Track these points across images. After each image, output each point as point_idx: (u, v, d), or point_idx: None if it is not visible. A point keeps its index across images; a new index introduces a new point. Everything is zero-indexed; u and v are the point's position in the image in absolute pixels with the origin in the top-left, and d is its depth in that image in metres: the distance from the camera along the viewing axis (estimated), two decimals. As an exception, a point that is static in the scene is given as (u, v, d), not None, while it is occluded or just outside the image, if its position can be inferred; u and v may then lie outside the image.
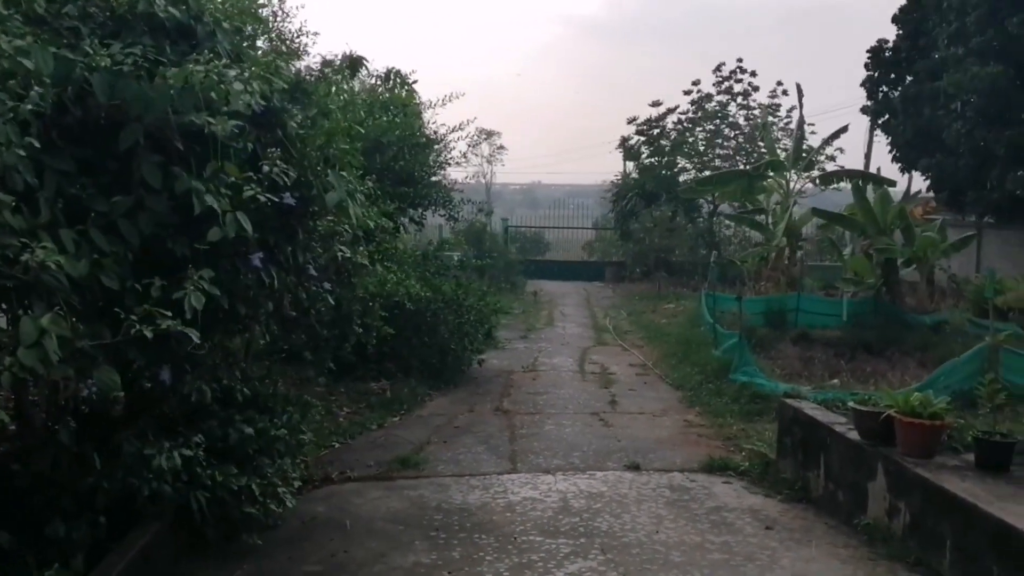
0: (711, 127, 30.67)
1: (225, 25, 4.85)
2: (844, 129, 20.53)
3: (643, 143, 31.07)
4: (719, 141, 30.49)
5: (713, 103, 30.35)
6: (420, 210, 14.48)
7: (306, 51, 10.02)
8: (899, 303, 15.39)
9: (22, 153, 3.56)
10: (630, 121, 31.42)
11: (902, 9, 25.46)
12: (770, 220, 19.17)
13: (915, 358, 12.02)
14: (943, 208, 23.21)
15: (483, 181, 51.39)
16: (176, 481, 4.90)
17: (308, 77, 5.44)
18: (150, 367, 4.31)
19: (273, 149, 4.62)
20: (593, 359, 14.27)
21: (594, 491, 7.14)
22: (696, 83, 30.31)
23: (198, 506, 5.12)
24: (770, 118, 28.41)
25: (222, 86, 4.19)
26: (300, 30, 10.34)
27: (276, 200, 4.47)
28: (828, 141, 20.88)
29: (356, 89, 12.89)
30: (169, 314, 3.90)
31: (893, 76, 26.26)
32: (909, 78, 25.27)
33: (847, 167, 21.70)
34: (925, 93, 22.61)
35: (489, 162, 51.94)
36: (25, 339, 3.41)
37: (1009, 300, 14.41)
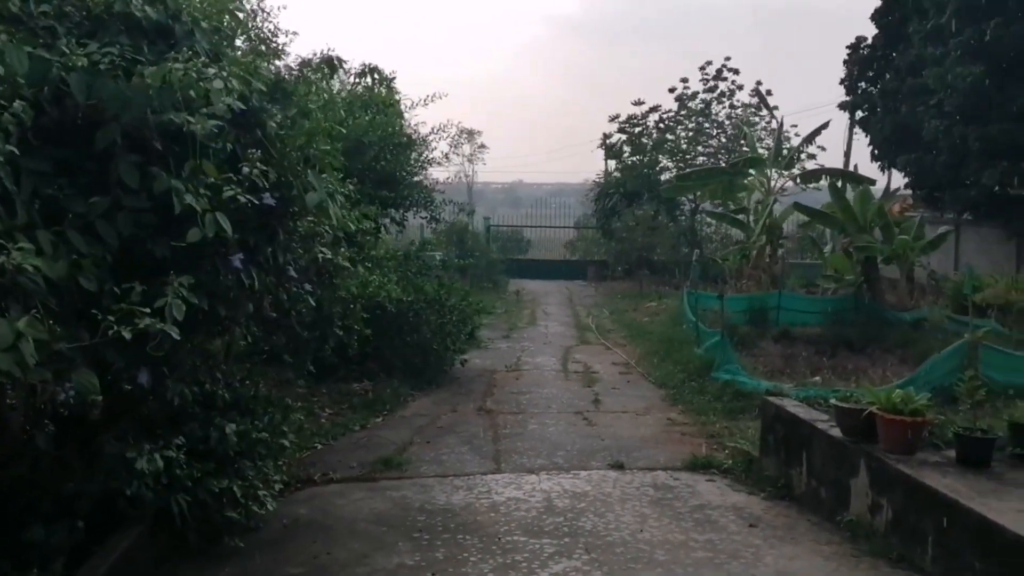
0: (693, 125, 30.78)
1: (204, 24, 4.80)
2: (825, 126, 20.67)
3: (624, 141, 31.16)
4: (702, 139, 30.61)
5: (697, 101, 30.47)
6: (401, 211, 14.44)
7: (285, 51, 9.97)
8: (879, 300, 15.50)
9: (0, 159, 3.51)
10: (612, 119, 31.51)
11: (879, 10, 25.69)
12: (752, 219, 19.26)
13: (896, 355, 12.12)
14: (921, 205, 23.41)
15: (465, 180, 51.34)
16: (157, 484, 4.85)
17: (287, 77, 5.38)
18: (129, 369, 4.25)
19: (253, 150, 4.58)
20: (576, 358, 14.28)
21: (578, 490, 7.13)
22: (684, 80, 30.44)
23: (179, 509, 5.08)
24: (754, 117, 28.59)
25: (201, 84, 4.14)
26: (277, 28, 10.29)
27: (256, 201, 4.43)
28: (809, 139, 21.00)
29: (336, 88, 12.83)
30: (148, 311, 3.85)
31: (871, 73, 26.49)
32: (888, 75, 25.48)
33: (827, 165, 21.82)
34: (904, 89, 22.79)
35: (470, 161, 51.91)
36: (1, 342, 3.36)
37: (987, 297, 14.55)
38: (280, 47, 9.92)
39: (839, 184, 16.76)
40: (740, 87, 30.18)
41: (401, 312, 10.80)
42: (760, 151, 20.88)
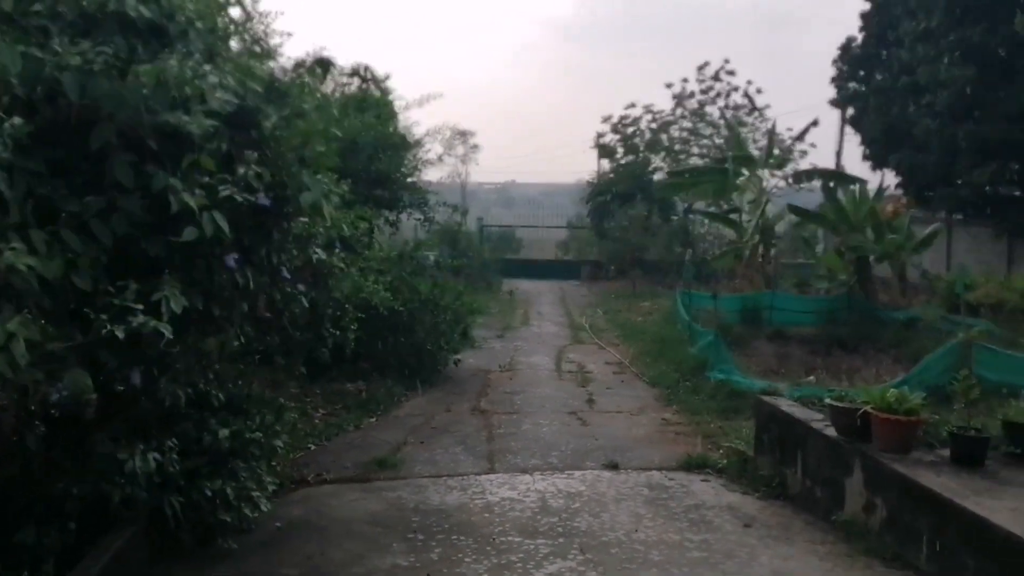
0: (688, 125, 30.87)
1: (198, 24, 4.78)
2: (814, 123, 20.77)
3: (618, 141, 31.23)
4: (692, 139, 30.70)
5: (693, 101, 30.57)
6: (396, 212, 14.44)
7: (279, 52, 9.93)
8: (872, 300, 15.54)
9: None
10: (604, 120, 31.57)
11: (867, 12, 25.85)
12: (744, 218, 19.30)
13: (889, 354, 12.16)
14: (913, 204, 23.53)
15: (458, 180, 51.28)
16: (150, 485, 4.82)
17: (282, 77, 5.36)
18: (121, 369, 4.23)
19: (249, 151, 4.56)
20: (570, 358, 14.28)
21: (573, 491, 7.12)
22: (686, 80, 30.56)
23: (173, 510, 5.06)
24: (747, 117, 28.67)
25: (196, 82, 4.12)
26: (270, 29, 10.23)
27: (251, 200, 4.41)
28: (799, 137, 21.06)
29: (330, 89, 12.82)
30: (140, 307, 3.83)
31: (862, 72, 26.60)
32: (877, 75, 25.61)
33: (819, 164, 21.91)
34: (898, 87, 22.87)
35: (464, 162, 51.85)
36: (-8, 343, 3.34)
37: (979, 296, 14.59)
38: (275, 48, 9.90)
39: (831, 184, 16.80)
40: (736, 88, 30.31)
41: (394, 313, 10.77)
42: (754, 152, 20.92)
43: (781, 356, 12.31)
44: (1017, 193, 21.26)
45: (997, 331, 12.38)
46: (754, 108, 26.13)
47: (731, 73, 30.27)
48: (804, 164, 26.29)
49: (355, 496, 6.96)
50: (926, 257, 19.05)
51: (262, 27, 9.24)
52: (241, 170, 4.42)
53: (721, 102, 30.52)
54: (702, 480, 7.49)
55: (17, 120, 3.66)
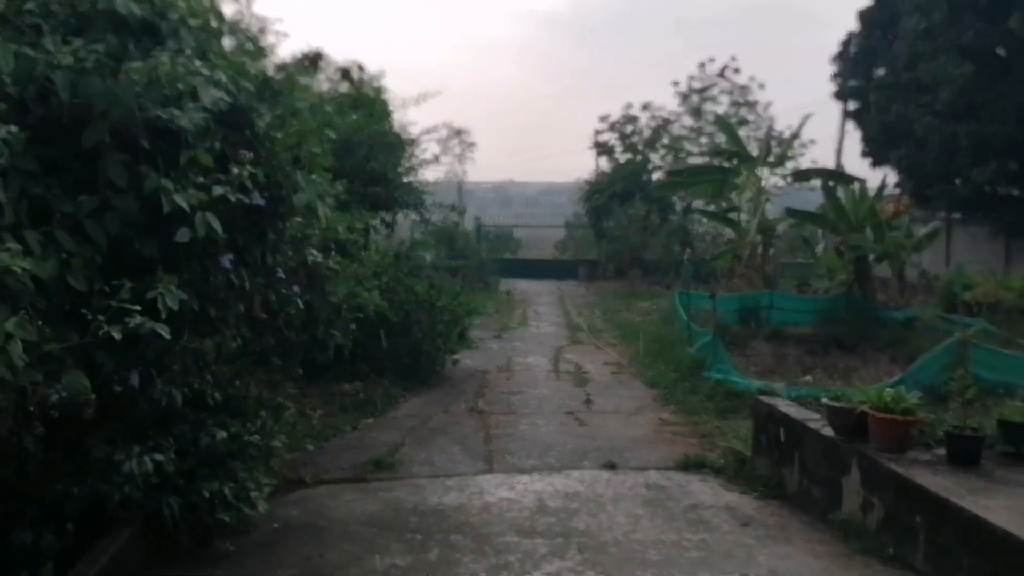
0: (690, 123, 30.91)
1: (191, 22, 4.78)
2: (808, 117, 20.74)
3: (616, 139, 31.26)
4: (693, 136, 30.72)
5: (696, 98, 30.60)
6: (392, 213, 14.42)
7: (275, 52, 9.93)
8: (870, 299, 15.53)
9: None
10: (602, 119, 31.59)
11: (867, 9, 25.89)
12: (743, 218, 19.29)
13: (887, 354, 12.14)
14: (913, 204, 23.57)
15: (455, 179, 51.29)
16: (146, 486, 4.82)
17: (275, 76, 5.37)
18: (119, 370, 4.23)
19: (244, 151, 4.56)
20: (567, 358, 14.26)
21: (570, 491, 7.12)
22: (692, 78, 30.60)
23: (170, 512, 5.05)
24: (749, 115, 28.71)
25: (189, 79, 4.11)
26: (265, 28, 10.24)
27: (245, 201, 4.40)
28: (796, 135, 21.06)
29: (324, 87, 12.80)
30: (138, 308, 3.82)
31: (860, 71, 26.66)
32: (879, 73, 25.66)
33: (819, 161, 21.93)
34: (898, 85, 22.90)
35: (460, 161, 51.88)
36: (-11, 344, 3.33)
37: (977, 295, 14.60)
38: (270, 48, 9.90)
39: (830, 184, 16.79)
40: (742, 87, 30.35)
41: (391, 312, 10.75)
42: (753, 151, 20.93)
43: (779, 356, 12.30)
44: (1015, 192, 21.29)
45: (994, 330, 12.40)
46: (747, 105, 26.17)
47: (736, 71, 30.31)
48: (804, 162, 26.37)
49: (353, 497, 6.95)
50: (924, 256, 19.07)
51: (257, 26, 9.27)
52: (235, 170, 4.41)
53: (725, 99, 30.58)
54: (700, 480, 7.48)
55: (14, 129, 3.66)
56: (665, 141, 30.75)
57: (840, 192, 16.46)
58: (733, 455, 7.99)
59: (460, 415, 9.91)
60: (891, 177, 24.05)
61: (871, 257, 15.96)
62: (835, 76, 27.63)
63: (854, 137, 27.30)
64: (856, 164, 35.88)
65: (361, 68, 13.88)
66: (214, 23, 5.28)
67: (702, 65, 30.66)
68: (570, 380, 12.28)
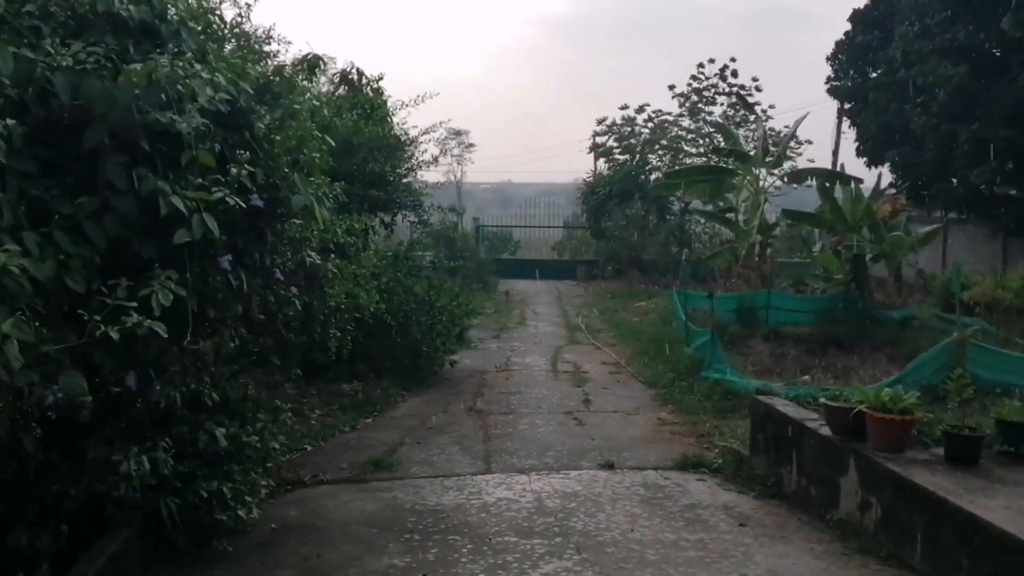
0: (688, 124, 30.92)
1: (191, 24, 4.79)
2: (804, 116, 20.75)
3: (615, 140, 31.30)
4: (691, 138, 30.74)
5: (695, 97, 30.63)
6: (391, 214, 14.43)
7: (277, 58, 9.96)
8: (868, 299, 15.55)
9: None
10: (600, 122, 31.62)
11: (862, 9, 25.96)
12: (741, 217, 19.31)
13: (884, 353, 12.15)
14: (910, 203, 23.62)
15: (454, 180, 51.38)
16: (144, 487, 4.82)
17: (274, 79, 5.37)
18: (117, 371, 4.23)
19: (241, 151, 4.56)
20: (566, 358, 14.28)
21: (569, 491, 7.13)
22: (695, 78, 30.61)
23: (168, 512, 5.05)
24: (749, 116, 28.70)
25: (188, 82, 4.12)
26: (267, 34, 10.25)
27: (243, 204, 4.41)
28: (793, 134, 21.07)
29: (324, 90, 12.81)
30: (135, 305, 3.82)
31: (853, 72, 26.72)
32: (875, 73, 25.71)
33: (816, 161, 21.94)
34: (897, 83, 22.92)
35: (459, 162, 51.99)
36: (-15, 345, 3.33)
37: (975, 295, 14.61)
38: (272, 53, 9.91)
39: (826, 184, 16.81)
40: (743, 87, 30.36)
41: (390, 312, 10.75)
42: (750, 151, 20.95)
43: (777, 355, 12.30)
44: (1013, 192, 21.31)
45: (992, 330, 12.41)
46: (746, 106, 26.13)
47: (735, 74, 30.33)
48: (801, 162, 26.40)
49: (351, 497, 6.95)
50: (922, 256, 19.10)
51: (260, 31, 9.29)
52: (234, 170, 4.41)
53: (724, 100, 30.59)
54: (698, 480, 7.49)
55: (11, 122, 3.66)
56: (663, 142, 30.75)
57: (837, 192, 16.48)
58: (731, 454, 8.00)
59: (459, 415, 9.92)
60: (889, 177, 24.14)
61: (868, 257, 15.98)
62: (831, 76, 27.68)
63: (851, 137, 27.37)
64: (853, 164, 35.83)
65: (360, 71, 13.90)
66: (214, 25, 5.28)
67: (701, 66, 30.69)
68: (568, 380, 12.29)
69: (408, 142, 14.67)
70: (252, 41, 8.60)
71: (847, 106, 27.44)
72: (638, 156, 30.90)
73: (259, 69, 5.22)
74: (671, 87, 30.96)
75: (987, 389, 7.94)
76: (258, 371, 7.64)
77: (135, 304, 3.85)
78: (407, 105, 14.47)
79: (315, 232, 6.00)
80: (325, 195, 5.47)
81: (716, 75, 30.56)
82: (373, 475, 7.52)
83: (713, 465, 7.80)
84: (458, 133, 47.29)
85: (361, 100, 13.09)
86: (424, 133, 15.29)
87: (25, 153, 3.86)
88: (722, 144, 28.51)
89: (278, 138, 4.89)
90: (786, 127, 27.89)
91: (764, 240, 18.34)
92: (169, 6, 4.75)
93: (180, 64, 4.15)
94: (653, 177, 29.22)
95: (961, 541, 4.89)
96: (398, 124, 14.47)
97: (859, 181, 17.12)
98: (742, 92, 29.83)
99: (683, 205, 28.29)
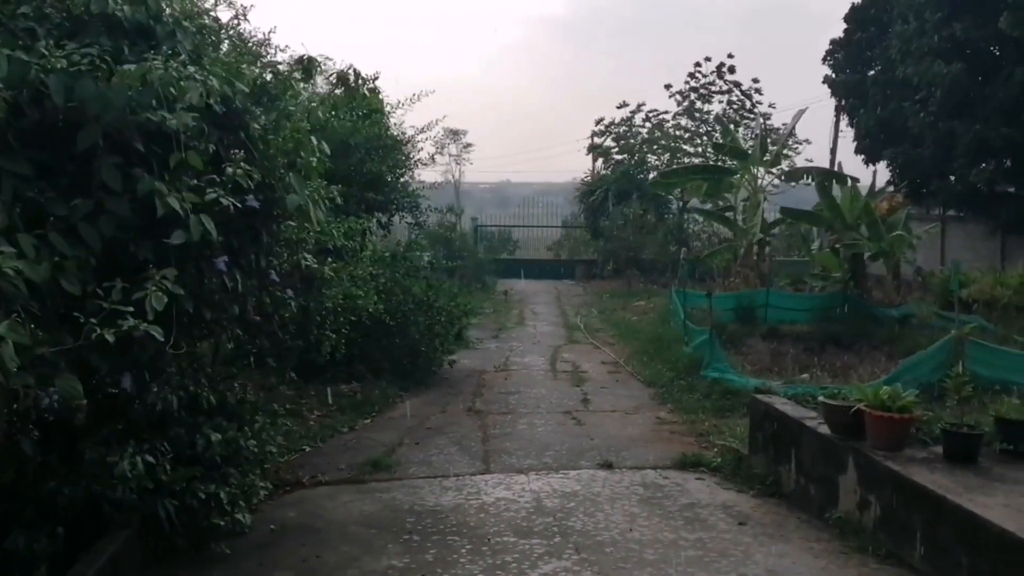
0: (686, 123, 30.90)
1: (186, 25, 4.78)
2: (803, 111, 20.71)
3: (613, 140, 31.31)
4: (689, 137, 30.73)
5: (693, 97, 30.62)
6: (388, 215, 14.42)
7: (274, 60, 9.94)
8: (867, 297, 15.55)
9: None
10: (598, 122, 31.64)
11: (862, 4, 25.96)
12: (739, 216, 19.31)
13: (883, 351, 12.16)
14: (908, 201, 23.63)
15: (452, 180, 51.39)
16: (141, 489, 4.81)
17: (270, 80, 5.36)
18: (113, 373, 4.22)
19: (236, 151, 4.55)
20: (565, 358, 14.27)
21: (567, 490, 7.12)
22: (692, 75, 30.60)
23: (166, 514, 5.05)
24: (748, 115, 28.72)
25: (182, 83, 4.11)
26: (267, 40, 10.23)
27: (238, 204, 4.40)
28: (791, 131, 21.05)
29: (321, 90, 12.80)
30: (131, 309, 3.81)
31: (848, 69, 26.73)
32: (872, 71, 25.73)
33: (814, 159, 21.94)
34: (895, 81, 22.92)
35: (457, 162, 52.01)
36: (-19, 348, 3.32)
37: (973, 293, 14.61)
38: (269, 52, 9.89)
39: (824, 183, 16.81)
40: (739, 84, 30.35)
41: (389, 312, 10.74)
42: (748, 149, 20.94)
43: (775, 354, 12.30)
44: (1011, 189, 21.30)
45: (990, 327, 12.41)
46: (751, 108, 26.24)
47: (732, 71, 30.31)
48: (799, 160, 26.40)
49: (350, 498, 6.94)
50: (920, 254, 19.09)
51: (259, 35, 9.27)
52: (230, 170, 4.40)
53: (722, 99, 30.58)
54: (697, 479, 7.48)
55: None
56: (662, 142, 30.75)
57: (836, 190, 16.47)
58: (730, 453, 8.00)
59: (458, 415, 9.91)
60: (887, 175, 24.12)
61: (866, 255, 15.98)
62: (828, 74, 27.68)
63: (849, 135, 27.37)
64: (851, 162, 35.87)
65: (356, 72, 13.89)
66: (208, 27, 5.27)
67: (698, 65, 30.69)
68: (567, 379, 12.28)
69: (405, 142, 14.65)
70: (249, 44, 8.59)
71: (845, 102, 27.42)
72: (636, 156, 30.89)
73: (254, 70, 5.21)
74: (667, 86, 30.97)
75: (986, 387, 7.92)
76: (255, 373, 7.64)
77: (131, 309, 3.85)
78: (403, 104, 14.47)
79: (311, 234, 5.98)
80: (321, 198, 5.46)
81: (713, 72, 30.54)
82: (372, 476, 7.51)
83: (712, 464, 7.79)
84: (456, 133, 47.30)
85: (358, 100, 13.07)
86: (420, 132, 15.27)
87: (19, 155, 3.85)
88: (719, 142, 28.57)
89: (273, 138, 4.89)
90: (784, 124, 27.95)
91: (763, 239, 18.34)
92: (164, 7, 4.74)
93: (174, 65, 4.14)
94: (651, 176, 29.22)
95: (960, 539, 4.88)
96: (395, 124, 14.47)
97: (855, 180, 17.12)
98: (742, 90, 29.84)
99: (681, 204, 28.29)
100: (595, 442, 8.67)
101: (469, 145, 51.48)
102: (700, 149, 30.01)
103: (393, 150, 13.71)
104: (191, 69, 4.26)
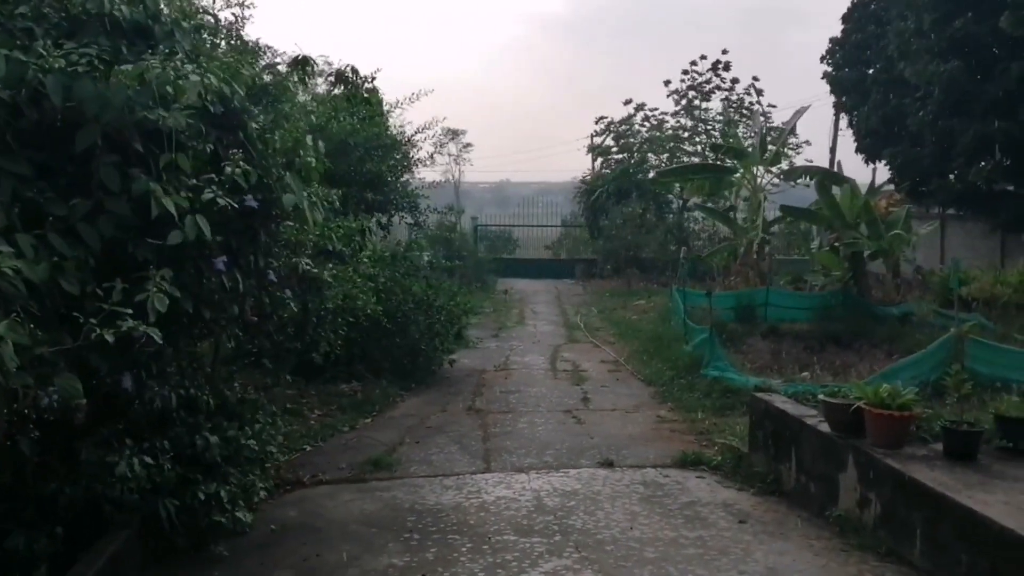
0: (685, 121, 30.89)
1: (184, 24, 4.78)
2: (804, 109, 20.67)
3: (613, 138, 31.30)
4: (686, 135, 30.72)
5: (691, 95, 30.61)
6: (387, 216, 14.42)
7: (270, 59, 9.94)
8: (866, 295, 15.54)
9: None
10: (598, 120, 31.65)
11: (861, 2, 26.00)
12: (739, 215, 19.29)
13: (883, 349, 12.14)
14: (907, 199, 23.61)
15: (452, 179, 51.38)
16: (141, 488, 4.81)
17: (269, 80, 5.37)
18: (112, 373, 4.22)
19: (235, 151, 4.56)
20: (565, 357, 14.27)
21: (568, 489, 7.12)
22: (686, 72, 30.59)
23: (167, 514, 5.05)
24: (747, 112, 28.70)
25: (179, 82, 4.11)
26: (267, 47, 10.23)
27: (235, 205, 4.40)
28: (792, 128, 21.03)
29: (321, 90, 12.80)
30: (130, 312, 3.82)
31: (847, 69, 26.74)
32: (870, 68, 25.75)
33: (815, 160, 21.92)
34: (894, 80, 22.93)
35: (457, 162, 52.00)
36: (-20, 348, 3.32)
37: (973, 291, 14.60)
38: (266, 48, 9.89)
39: (824, 181, 16.79)
40: (737, 80, 30.35)
41: (388, 312, 10.74)
42: (748, 148, 20.92)
43: (775, 353, 12.29)
44: (1010, 188, 21.31)
45: (990, 325, 12.41)
46: (751, 106, 26.21)
47: (727, 67, 30.29)
48: (799, 159, 26.39)
49: (351, 497, 6.94)
50: (920, 252, 19.08)
51: (258, 40, 9.28)
52: (228, 169, 4.41)
53: (721, 96, 30.57)
54: (697, 477, 7.49)
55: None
56: (661, 141, 30.75)
57: (836, 188, 16.46)
58: (730, 452, 7.99)
59: (458, 414, 9.91)
60: (885, 173, 24.12)
61: (866, 253, 15.97)
62: (827, 73, 27.70)
63: (849, 135, 27.38)
64: (849, 160, 35.91)
65: (355, 71, 13.88)
66: (207, 27, 5.28)
67: (694, 63, 30.67)
68: (567, 378, 12.28)
69: (404, 142, 14.65)
70: (249, 46, 8.60)
71: (845, 100, 27.43)
72: (636, 155, 30.89)
73: (254, 69, 5.21)
74: (667, 82, 30.97)
75: (985, 384, 7.93)
76: (256, 372, 7.64)
77: (131, 311, 3.85)
78: (403, 103, 14.47)
79: (310, 237, 5.99)
80: (320, 199, 5.46)
81: (709, 70, 30.53)
82: (372, 475, 7.51)
83: (712, 462, 7.79)
84: (455, 132, 47.30)
85: (357, 100, 13.07)
86: (419, 131, 15.27)
87: (18, 155, 3.85)
88: (719, 141, 28.54)
89: (270, 137, 4.89)
90: (783, 124, 27.94)
91: (763, 238, 18.33)
92: (163, 6, 4.74)
93: (171, 64, 4.14)
94: (651, 176, 29.22)
95: (960, 537, 4.89)
96: (395, 124, 14.47)
97: (851, 181, 17.09)
98: (742, 88, 29.83)
99: (682, 203, 28.28)
100: (595, 441, 8.67)
101: (469, 145, 51.52)
102: (700, 148, 30.00)
103: (392, 150, 13.71)
104: (188, 68, 4.26)
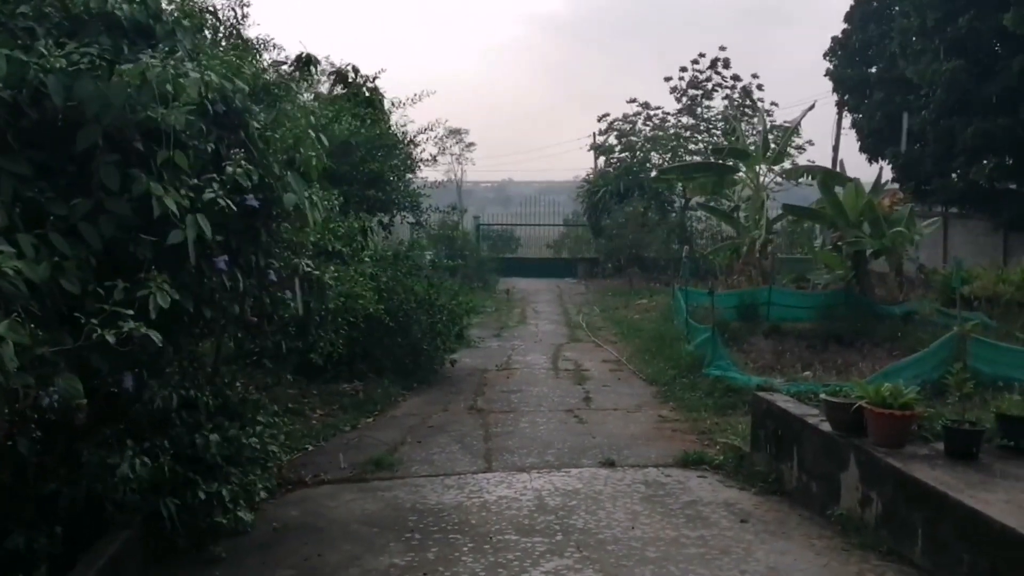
0: (686, 120, 30.88)
1: (185, 23, 4.78)
2: (810, 108, 20.66)
3: (615, 137, 31.30)
4: (687, 134, 30.71)
5: (691, 94, 30.60)
6: (389, 216, 14.43)
7: (272, 57, 9.94)
8: (869, 294, 15.51)
9: None
10: (600, 119, 31.64)
11: (856, 4, 26.03)
12: (741, 214, 19.27)
13: (885, 348, 12.12)
14: (910, 198, 23.58)
15: (454, 179, 51.37)
16: (142, 488, 4.81)
17: (271, 79, 5.38)
18: (113, 373, 4.22)
19: (237, 150, 4.56)
20: (567, 356, 14.27)
21: (569, 488, 7.12)
22: (684, 69, 30.63)
23: (168, 513, 5.05)
24: (748, 111, 28.66)
25: (180, 80, 4.11)
26: (270, 43, 10.23)
27: (239, 202, 4.40)
28: (796, 127, 21.00)
29: (323, 89, 12.81)
30: (131, 312, 3.82)
31: (856, 64, 26.73)
32: (872, 68, 25.76)
33: (816, 161, 21.87)
34: (896, 79, 22.93)
35: (459, 161, 51.97)
36: (-19, 348, 3.32)
37: (975, 289, 14.56)
38: (268, 42, 9.89)
39: (826, 180, 16.76)
40: (737, 77, 30.32)
41: (390, 311, 10.74)
42: (750, 147, 20.90)
43: (778, 352, 12.28)
44: (1013, 186, 21.30)
45: (992, 324, 12.38)
46: (751, 101, 26.17)
47: (727, 64, 30.28)
48: (802, 158, 26.36)
49: (352, 496, 6.95)
50: (923, 251, 19.04)
51: (259, 38, 9.28)
52: (229, 169, 4.41)
53: (722, 93, 30.58)
54: (699, 476, 7.48)
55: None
56: (664, 140, 30.73)
57: (838, 187, 16.43)
58: (732, 451, 7.99)
59: (460, 414, 9.91)
60: (888, 172, 24.12)
61: (869, 252, 15.94)
62: (829, 70, 27.69)
63: (852, 134, 27.38)
64: (852, 158, 35.90)
65: (356, 70, 13.89)
66: (210, 25, 5.28)
67: (695, 61, 30.67)
68: (569, 378, 12.28)
69: (406, 142, 14.65)
70: (250, 45, 8.60)
71: (847, 97, 27.42)
72: (639, 153, 30.88)
73: (255, 67, 5.21)
74: (667, 79, 30.97)
75: (987, 383, 7.92)
76: (258, 372, 7.65)
77: (131, 312, 3.85)
78: (404, 103, 14.47)
79: (311, 238, 5.99)
80: (321, 200, 5.46)
81: (708, 68, 30.52)
82: (374, 474, 7.52)
83: (714, 462, 7.79)
84: (457, 132, 47.26)
85: (359, 100, 13.07)
86: (422, 132, 15.27)
87: (19, 155, 3.85)
88: (722, 140, 28.51)
89: (271, 135, 4.89)
90: (786, 123, 27.91)
91: (766, 236, 18.30)
92: (164, 5, 4.74)
93: (172, 63, 4.14)
94: (653, 175, 29.20)
95: (961, 536, 4.88)
96: (396, 124, 14.47)
97: (854, 180, 17.06)
98: (743, 86, 29.79)
99: (684, 202, 28.26)
100: (597, 440, 8.67)
101: (471, 144, 51.43)
102: (702, 147, 29.97)
103: (394, 149, 13.71)
104: (189, 65, 4.26)
